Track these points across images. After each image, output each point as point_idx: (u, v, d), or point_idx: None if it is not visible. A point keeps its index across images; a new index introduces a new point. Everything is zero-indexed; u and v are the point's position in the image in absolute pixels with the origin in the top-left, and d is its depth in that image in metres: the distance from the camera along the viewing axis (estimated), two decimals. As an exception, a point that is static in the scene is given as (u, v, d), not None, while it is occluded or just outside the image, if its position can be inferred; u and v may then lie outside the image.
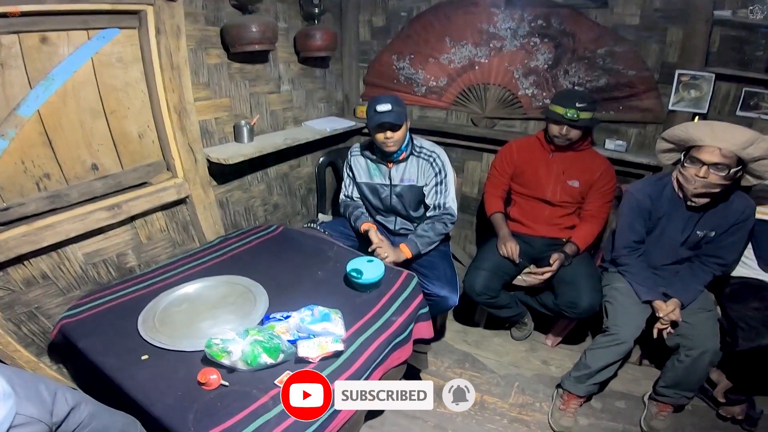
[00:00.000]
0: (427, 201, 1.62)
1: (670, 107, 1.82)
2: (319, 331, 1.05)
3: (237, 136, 1.65)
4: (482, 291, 1.63)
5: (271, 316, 1.11)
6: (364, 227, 1.59)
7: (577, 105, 1.56)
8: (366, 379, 1.04)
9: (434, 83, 2.23)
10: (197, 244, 1.58)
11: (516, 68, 2.06)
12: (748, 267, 1.63)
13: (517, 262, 1.67)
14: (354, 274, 1.22)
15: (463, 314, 2.11)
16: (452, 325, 2.08)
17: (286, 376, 0.95)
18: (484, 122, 2.17)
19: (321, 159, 2.10)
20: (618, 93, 1.93)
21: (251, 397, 0.89)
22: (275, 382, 0.94)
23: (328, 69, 2.24)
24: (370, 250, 1.52)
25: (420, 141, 1.65)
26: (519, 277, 1.76)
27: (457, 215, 1.62)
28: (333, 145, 2.28)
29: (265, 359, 0.95)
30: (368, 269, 1.25)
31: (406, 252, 1.53)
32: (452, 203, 1.60)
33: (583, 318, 1.62)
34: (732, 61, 1.74)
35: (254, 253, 1.47)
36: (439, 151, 1.62)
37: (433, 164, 1.58)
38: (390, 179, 1.64)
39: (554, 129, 1.64)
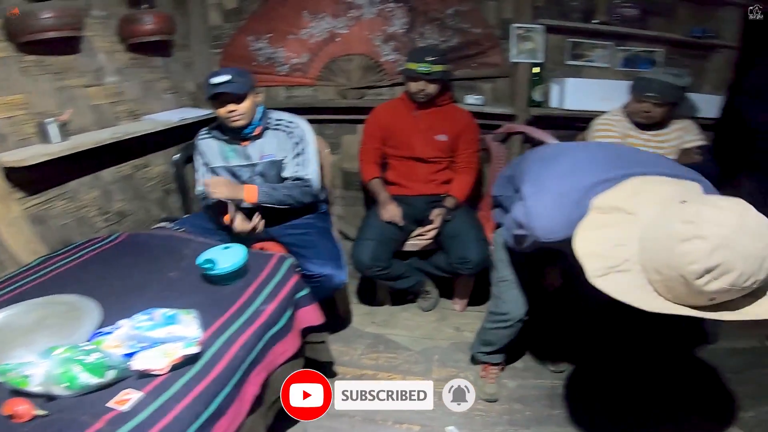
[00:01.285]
0: (285, 173, 1.53)
1: (512, 60, 2.01)
2: (164, 337, 0.89)
3: (43, 136, 1.38)
4: (372, 262, 1.61)
5: (98, 331, 0.93)
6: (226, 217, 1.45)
7: (428, 58, 1.63)
8: (242, 380, 0.92)
9: (297, 60, 2.16)
10: (10, 270, 1.29)
11: (376, 35, 2.09)
12: None
13: (401, 224, 1.68)
14: (206, 265, 1.09)
15: (367, 295, 2.07)
16: (358, 309, 2.03)
17: (126, 395, 0.79)
18: (353, 93, 2.17)
19: (176, 155, 1.89)
20: (469, 51, 2.08)
21: (80, 425, 0.73)
22: (107, 405, 0.78)
23: (171, 57, 2.04)
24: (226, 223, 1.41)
25: (278, 114, 1.56)
26: (408, 242, 1.78)
27: (317, 189, 1.55)
28: (190, 140, 2.07)
29: (88, 379, 0.78)
30: (224, 257, 1.11)
31: (250, 193, 1.43)
32: (314, 176, 1.53)
33: (478, 272, 1.69)
34: (555, 13, 1.98)
35: (85, 268, 1.23)
36: (300, 121, 1.55)
37: (291, 135, 1.51)
38: (249, 158, 1.52)
39: (412, 86, 1.70)
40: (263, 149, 1.51)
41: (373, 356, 1.75)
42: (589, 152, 0.99)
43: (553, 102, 2.05)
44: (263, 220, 1.46)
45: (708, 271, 0.57)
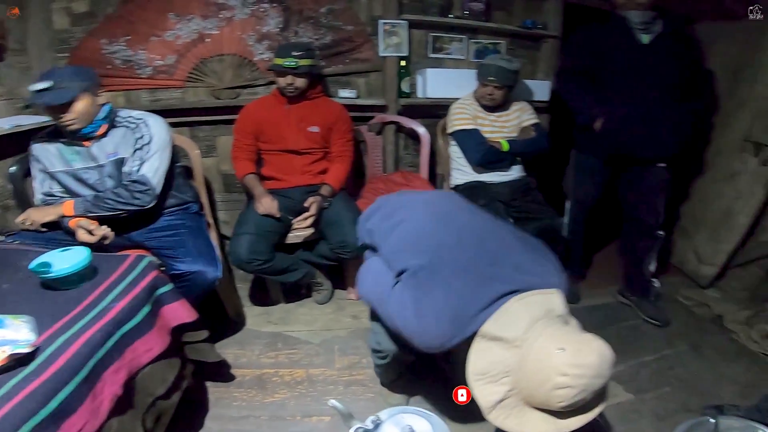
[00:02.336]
0: (124, 169, 1.46)
1: (381, 54, 2.20)
2: (-12, 343, 0.84)
3: None
4: (250, 257, 1.63)
5: None
6: (63, 216, 1.37)
7: (294, 53, 1.71)
8: (91, 379, 0.90)
9: (161, 62, 2.10)
10: None
11: (249, 35, 2.12)
12: (465, 172, 2.11)
13: (278, 216, 1.72)
14: (40, 269, 1.03)
15: (260, 296, 2.08)
16: (252, 311, 2.03)
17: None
18: (227, 93, 2.17)
19: (12, 168, 1.71)
20: (343, 47, 2.21)
21: None
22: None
23: (3, 62, 1.86)
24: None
25: (129, 111, 1.51)
26: (290, 234, 1.84)
27: (155, 189, 1.44)
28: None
29: None
30: (62, 260, 1.06)
31: (68, 208, 1.37)
32: (149, 173, 1.43)
33: (358, 256, 1.79)
34: (418, 9, 2.20)
35: None
36: (151, 118, 1.51)
37: (136, 130, 1.46)
38: (95, 160, 1.45)
39: (281, 81, 1.77)
40: (108, 148, 1.45)
41: (272, 355, 1.77)
42: (453, 250, 1.02)
43: (419, 92, 2.27)
44: (108, 229, 1.38)
45: (569, 405, 0.81)
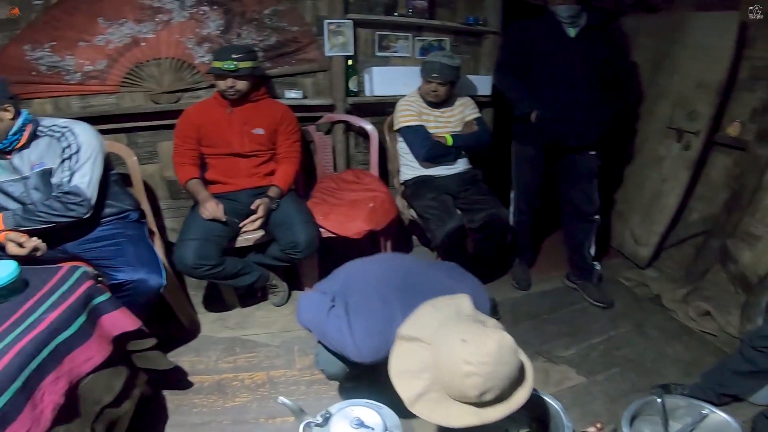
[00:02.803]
0: (53, 180, 1.42)
1: (327, 54, 2.22)
2: None
3: None
4: (197, 262, 1.62)
5: None
6: None
7: (233, 56, 1.71)
8: (28, 388, 0.90)
9: (92, 67, 2.02)
10: None
11: (188, 38, 2.08)
12: (413, 167, 2.18)
13: (224, 220, 1.72)
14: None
15: (214, 302, 2.06)
16: (207, 317, 2.00)
17: None
18: (165, 98, 2.12)
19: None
20: (288, 48, 2.21)
21: None
22: None
23: None
24: None
25: (53, 120, 1.46)
26: (240, 238, 1.83)
27: (88, 199, 1.41)
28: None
29: None
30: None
31: None
32: (82, 183, 1.39)
33: (309, 254, 1.82)
34: (364, 8, 2.24)
35: None
36: (76, 124, 1.45)
37: (62, 138, 1.41)
38: (18, 172, 1.39)
39: (221, 84, 1.76)
40: (31, 159, 1.40)
41: (231, 359, 1.76)
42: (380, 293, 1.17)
43: (366, 90, 2.31)
44: (39, 241, 1.33)
45: (481, 392, 0.89)
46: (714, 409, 1.23)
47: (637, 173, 2.55)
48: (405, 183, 2.18)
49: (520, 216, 2.26)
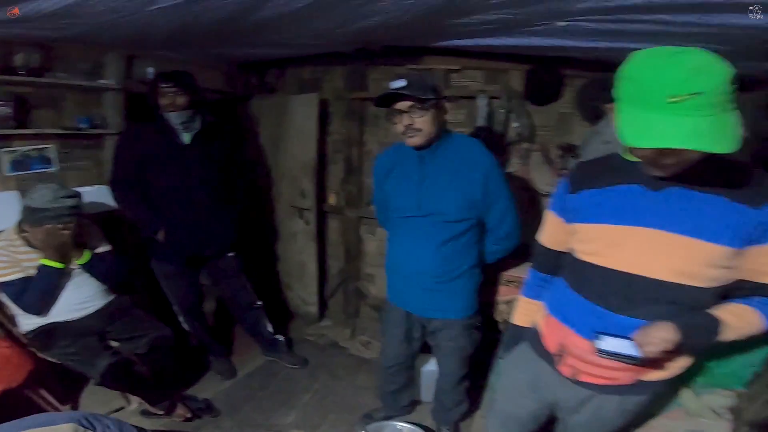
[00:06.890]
0: None
1: None
2: None
3: None
4: None
5: None
6: None
7: None
8: None
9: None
10: None
11: None
12: (30, 317, 1.74)
13: None
14: None
15: None
16: None
17: None
18: None
19: None
20: None
21: None
22: None
23: None
24: None
25: None
26: None
27: None
28: None
29: None
30: None
31: None
32: None
33: None
34: None
35: None
36: None
37: None
38: None
39: None
40: None
41: None
42: None
43: None
44: None
45: None
46: (404, 424, 1.82)
47: (283, 248, 3.01)
48: (28, 334, 1.79)
49: (192, 323, 2.29)
